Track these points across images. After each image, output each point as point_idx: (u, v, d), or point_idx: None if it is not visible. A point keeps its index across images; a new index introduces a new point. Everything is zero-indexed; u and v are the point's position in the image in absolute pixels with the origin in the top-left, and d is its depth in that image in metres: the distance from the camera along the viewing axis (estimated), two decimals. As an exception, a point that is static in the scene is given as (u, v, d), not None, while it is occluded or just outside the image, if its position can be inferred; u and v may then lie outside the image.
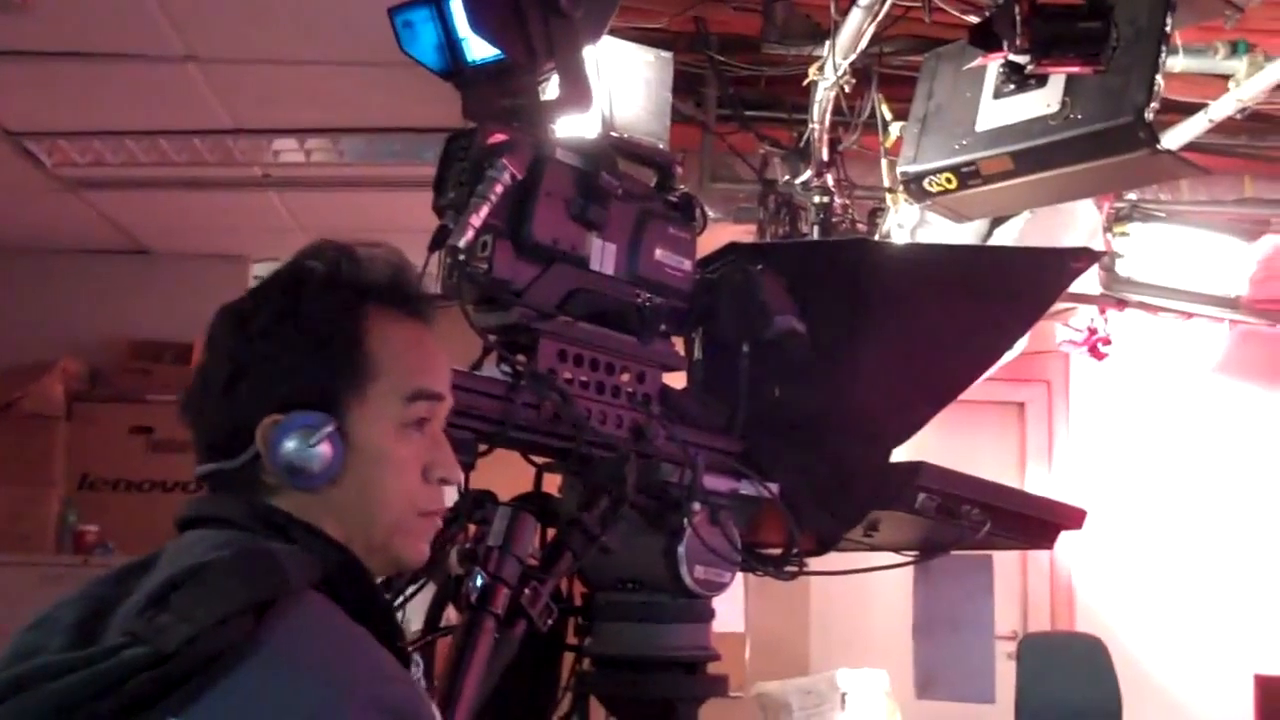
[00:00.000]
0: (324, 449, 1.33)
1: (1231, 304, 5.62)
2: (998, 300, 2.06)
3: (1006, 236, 4.54)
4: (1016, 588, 6.92)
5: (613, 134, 3.48)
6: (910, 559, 2.14)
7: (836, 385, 2.01)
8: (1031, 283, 2.11)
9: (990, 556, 2.29)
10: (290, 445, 1.32)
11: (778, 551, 2.01)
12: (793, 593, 6.20)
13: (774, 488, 1.93)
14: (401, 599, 1.67)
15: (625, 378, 1.87)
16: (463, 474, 1.46)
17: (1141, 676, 6.50)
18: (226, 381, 1.36)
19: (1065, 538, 6.42)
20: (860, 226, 4.83)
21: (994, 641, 2.34)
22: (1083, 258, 2.11)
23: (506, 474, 1.85)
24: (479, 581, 1.55)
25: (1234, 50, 3.83)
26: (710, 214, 5.01)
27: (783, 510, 1.93)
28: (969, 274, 2.14)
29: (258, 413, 1.34)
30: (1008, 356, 6.04)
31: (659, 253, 1.89)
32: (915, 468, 1.94)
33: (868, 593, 6.14)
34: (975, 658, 2.31)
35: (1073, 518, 2.25)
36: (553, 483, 1.93)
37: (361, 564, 1.34)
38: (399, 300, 1.42)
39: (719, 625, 4.64)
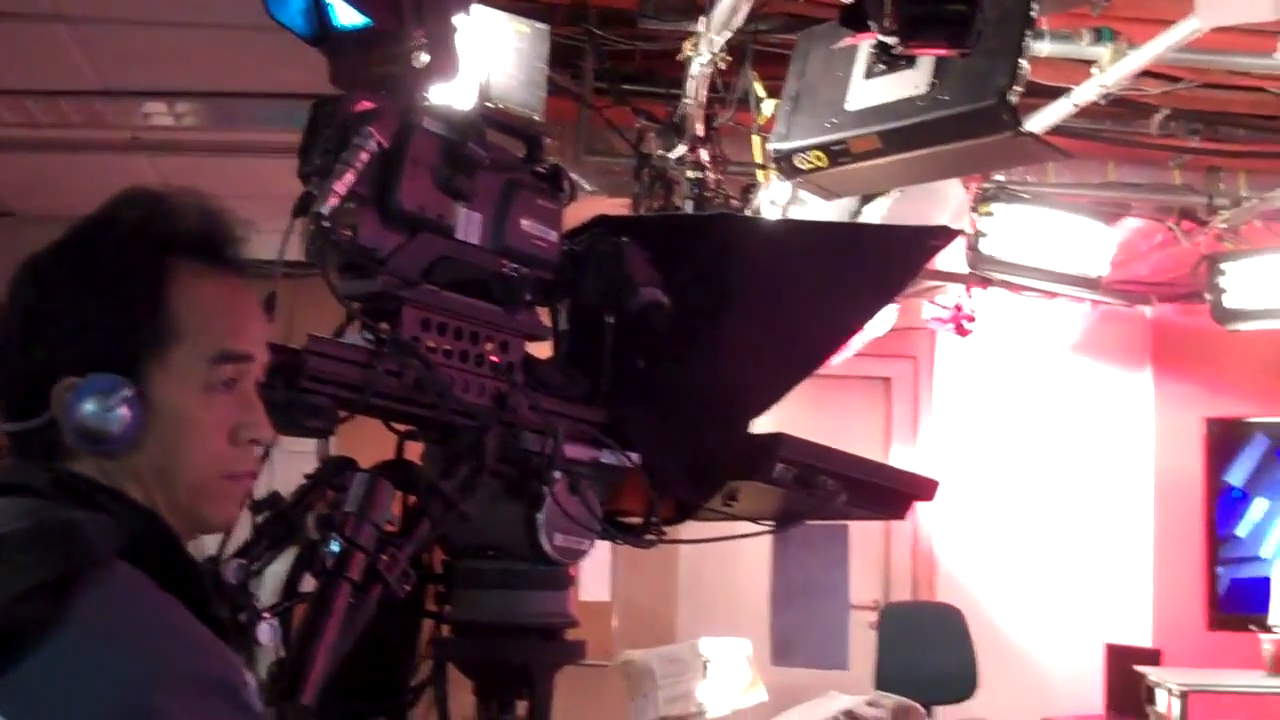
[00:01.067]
0: (122, 413, 1.28)
1: (1092, 284, 5.76)
2: (858, 275, 2.10)
3: (875, 214, 4.62)
4: (879, 559, 7.05)
5: (486, 104, 3.49)
6: (767, 528, 2.18)
7: (699, 357, 2.04)
8: (891, 259, 2.16)
9: (846, 527, 2.33)
10: (86, 409, 1.27)
11: (638, 520, 2.03)
12: (661, 563, 6.28)
13: (635, 457, 1.95)
14: (258, 565, 1.67)
15: (489, 347, 1.88)
16: (275, 434, 1.44)
17: (998, 645, 6.67)
18: (22, 340, 1.31)
19: (929, 511, 6.54)
20: (734, 202, 4.87)
21: (849, 610, 2.40)
22: (941, 235, 2.16)
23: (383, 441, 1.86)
24: (335, 547, 1.56)
25: (1098, 36, 3.92)
26: (586, 187, 5.05)
27: (643, 479, 1.96)
28: (830, 249, 2.18)
29: (54, 373, 1.28)
30: (875, 332, 6.17)
31: (525, 223, 1.90)
32: (774, 439, 1.98)
33: (735, 563, 6.21)
34: (830, 626, 2.36)
35: (925, 489, 2.30)
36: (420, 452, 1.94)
37: (170, 530, 1.30)
38: (208, 253, 1.37)
39: (586, 595, 4.68)
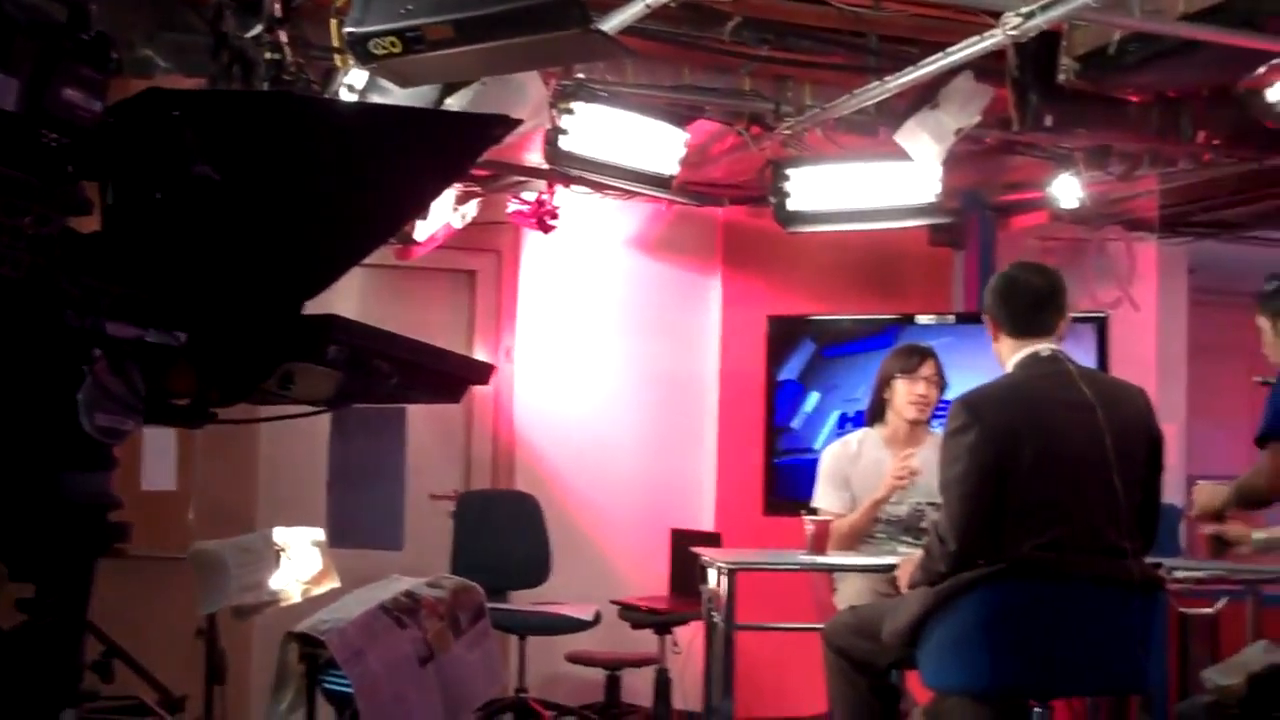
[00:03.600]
0: None
1: (664, 184, 5.95)
2: (417, 160, 2.12)
3: (458, 105, 4.62)
4: (461, 449, 7.14)
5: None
6: (320, 409, 2.20)
7: (251, 236, 2.02)
8: (451, 144, 2.18)
9: (403, 410, 2.37)
10: None
11: (188, 402, 2.01)
12: (239, 455, 6.17)
13: (183, 336, 1.93)
14: None
15: (26, 220, 1.81)
16: None
17: (572, 531, 6.89)
18: None
19: (511, 402, 6.57)
20: (315, 86, 4.78)
21: (404, 491, 2.43)
22: (501, 124, 2.20)
23: None
24: None
25: (672, -57, 4.03)
26: (161, 64, 4.85)
27: (192, 360, 1.93)
28: (388, 133, 2.18)
29: None
30: (456, 224, 6.19)
31: (68, 92, 1.83)
32: (326, 320, 1.99)
33: (317, 453, 6.16)
34: (386, 507, 2.40)
35: (480, 373, 2.37)
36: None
37: None
38: None
39: (152, 484, 4.52)
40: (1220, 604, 5.02)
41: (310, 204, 2.07)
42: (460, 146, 2.20)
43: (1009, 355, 3.83)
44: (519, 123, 2.18)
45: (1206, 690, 4.22)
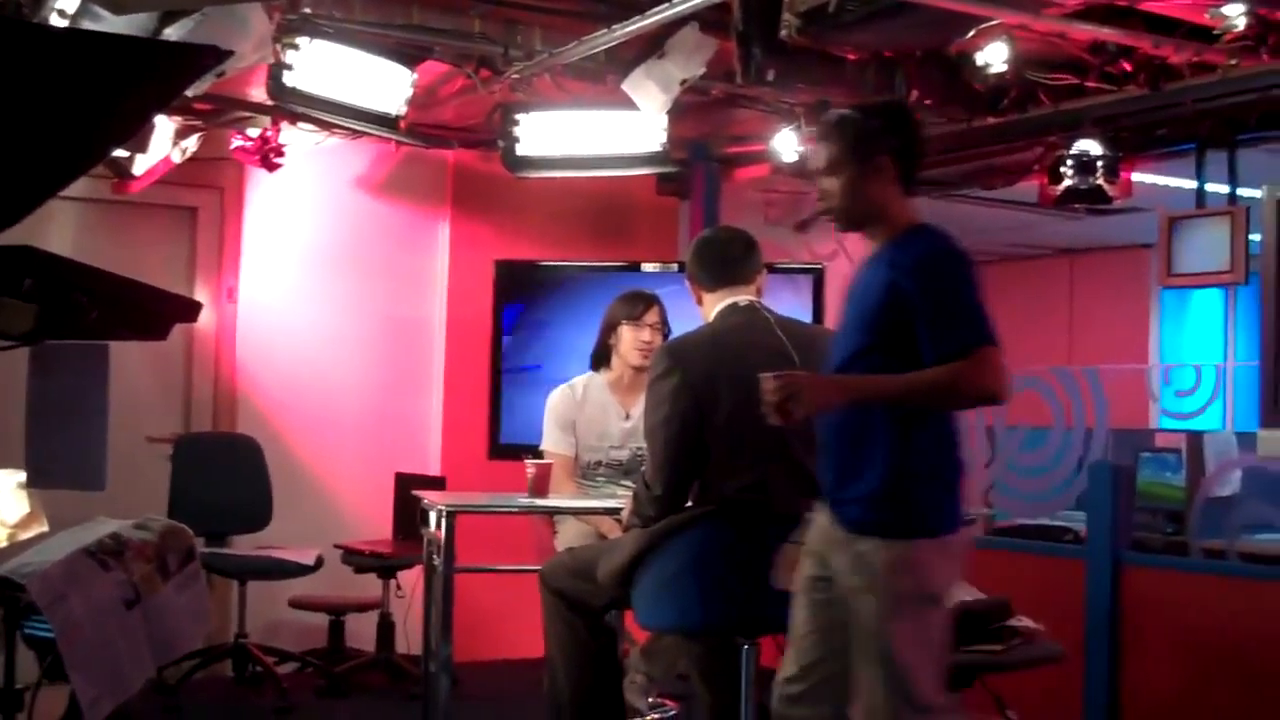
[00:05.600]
0: None
1: (391, 124, 5.90)
2: (119, 88, 2.05)
3: (176, 36, 4.49)
4: (181, 391, 6.96)
5: None
6: (15, 344, 2.13)
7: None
8: (155, 74, 2.12)
9: (106, 346, 2.31)
10: None
11: None
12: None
13: None
14: None
15: None
16: None
17: (295, 474, 6.81)
18: None
19: (233, 343, 6.46)
20: (24, 10, 4.59)
21: (106, 430, 2.38)
22: (209, 55, 2.16)
23: None
24: None
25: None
26: None
27: None
28: (90, 59, 2.10)
29: None
30: (175, 159, 6.02)
31: None
32: (20, 252, 1.93)
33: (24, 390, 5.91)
34: (88, 447, 2.34)
35: (187, 310, 2.33)
36: None
37: None
38: None
39: None
40: (921, 544, 5.23)
41: (5, 131, 1.99)
42: (166, 76, 2.15)
43: (710, 309, 3.96)
44: (229, 54, 2.14)
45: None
